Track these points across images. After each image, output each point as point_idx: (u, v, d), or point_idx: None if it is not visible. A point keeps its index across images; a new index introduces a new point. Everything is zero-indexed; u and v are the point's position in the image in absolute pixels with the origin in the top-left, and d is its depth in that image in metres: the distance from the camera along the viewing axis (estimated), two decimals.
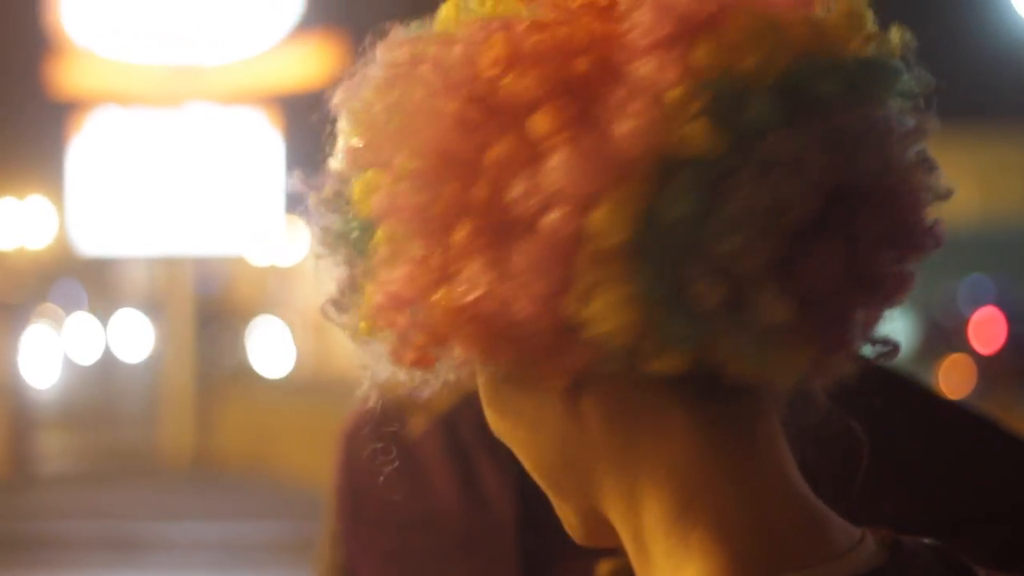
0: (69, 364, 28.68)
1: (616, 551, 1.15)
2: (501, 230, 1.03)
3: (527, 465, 1.15)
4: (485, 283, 1.03)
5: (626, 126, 1.00)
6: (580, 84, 1.02)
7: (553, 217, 1.01)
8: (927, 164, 1.09)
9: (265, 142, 20.05)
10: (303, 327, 26.00)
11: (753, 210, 1.00)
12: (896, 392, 1.65)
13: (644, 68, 1.01)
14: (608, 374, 1.06)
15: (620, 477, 1.09)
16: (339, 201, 1.13)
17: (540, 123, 1.02)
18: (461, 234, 1.04)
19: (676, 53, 1.02)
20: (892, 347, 1.12)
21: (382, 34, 1.13)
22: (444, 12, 1.12)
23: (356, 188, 1.09)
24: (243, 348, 26.68)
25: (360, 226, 1.11)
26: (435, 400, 1.18)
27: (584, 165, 1.01)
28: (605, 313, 1.01)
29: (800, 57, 1.03)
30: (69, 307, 29.30)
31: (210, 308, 24.04)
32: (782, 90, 1.02)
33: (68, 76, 20.14)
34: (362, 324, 1.11)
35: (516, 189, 1.02)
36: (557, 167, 1.01)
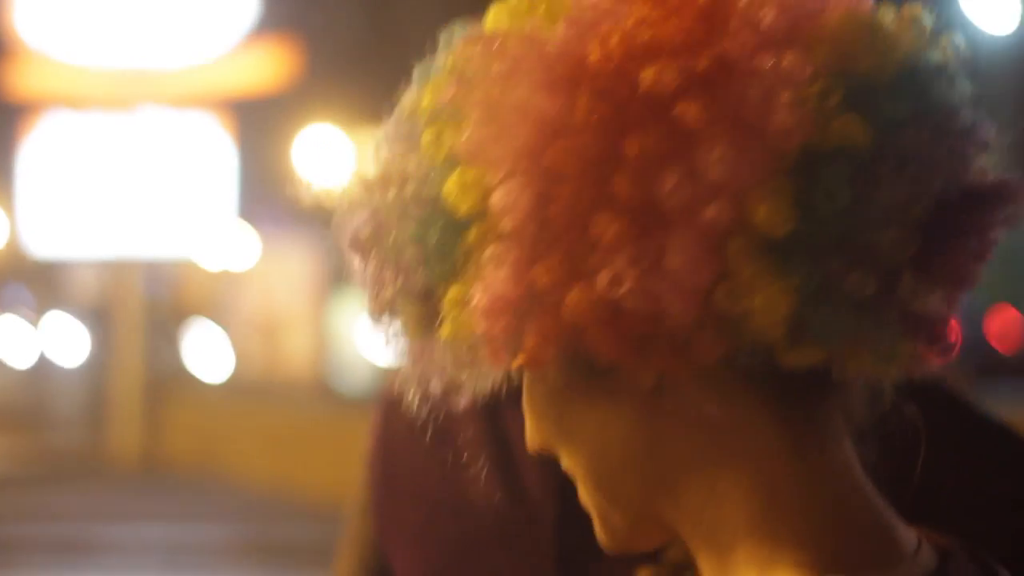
0: (2, 367, 28.60)
1: (653, 556, 1.14)
2: (648, 224, 1.00)
3: (580, 471, 1.11)
4: (632, 278, 1.00)
5: (780, 118, 1.00)
6: (704, 78, 1.01)
7: (713, 209, 1.00)
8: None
9: (217, 146, 20.05)
10: (250, 331, 25.91)
11: (897, 203, 1.02)
12: (950, 408, 1.60)
13: (782, 62, 1.01)
14: (693, 373, 1.04)
15: (701, 477, 1.07)
16: (407, 203, 1.08)
17: (690, 115, 1.00)
18: (603, 229, 1.01)
19: (801, 49, 1.02)
20: (951, 347, 1.10)
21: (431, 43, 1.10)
22: (495, 14, 1.09)
23: (451, 187, 1.05)
24: (181, 352, 26.55)
25: (444, 227, 1.06)
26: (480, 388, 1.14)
27: (742, 157, 1.00)
28: (763, 306, 1.00)
29: (909, 58, 1.05)
30: (10, 310, 29.06)
31: (159, 312, 23.96)
32: (904, 88, 1.04)
33: (20, 78, 20.08)
34: (446, 328, 1.06)
35: (667, 182, 1.00)
36: (716, 159, 1.00)
